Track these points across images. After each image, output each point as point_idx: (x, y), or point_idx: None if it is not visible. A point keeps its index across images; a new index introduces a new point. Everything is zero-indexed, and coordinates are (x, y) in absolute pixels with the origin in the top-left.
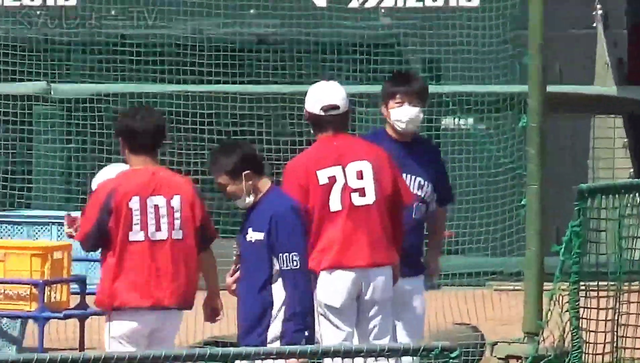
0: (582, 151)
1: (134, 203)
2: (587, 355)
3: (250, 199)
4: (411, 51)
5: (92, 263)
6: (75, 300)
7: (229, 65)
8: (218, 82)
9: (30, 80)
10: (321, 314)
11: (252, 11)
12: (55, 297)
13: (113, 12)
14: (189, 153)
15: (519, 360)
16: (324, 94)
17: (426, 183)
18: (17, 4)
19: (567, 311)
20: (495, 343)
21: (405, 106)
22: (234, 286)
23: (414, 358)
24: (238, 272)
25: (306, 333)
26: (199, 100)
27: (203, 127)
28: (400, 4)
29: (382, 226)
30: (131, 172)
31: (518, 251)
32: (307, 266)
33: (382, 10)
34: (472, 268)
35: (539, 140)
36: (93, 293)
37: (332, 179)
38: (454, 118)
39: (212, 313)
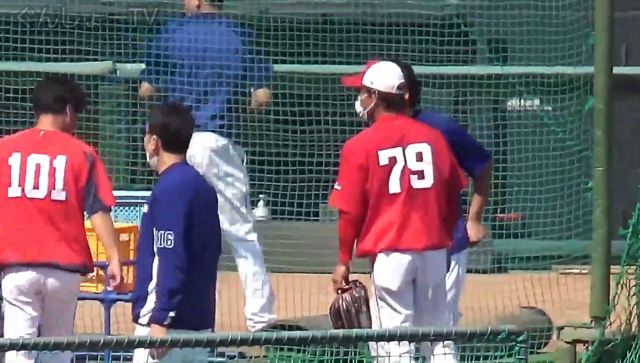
0: None
1: (14, 160)
2: None
3: (150, 161)
4: (477, 31)
5: None
6: None
7: (294, 45)
8: (284, 62)
9: (95, 60)
10: (379, 297)
11: None
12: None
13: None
14: (254, 133)
15: (586, 344)
16: (397, 74)
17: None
18: None
19: (634, 295)
20: (562, 328)
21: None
22: None
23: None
24: None
25: (171, 314)
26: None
27: (269, 108)
28: None
29: (439, 209)
30: (24, 132)
31: (585, 235)
32: (181, 247)
33: None
34: (539, 251)
35: (605, 122)
36: None
37: (393, 161)
38: (520, 100)
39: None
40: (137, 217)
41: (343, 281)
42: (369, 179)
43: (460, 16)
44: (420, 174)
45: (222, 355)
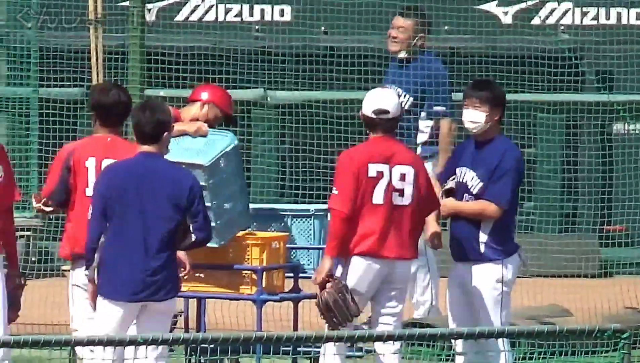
0: None
1: (89, 163)
2: None
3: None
4: (587, 63)
5: (308, 251)
6: (289, 284)
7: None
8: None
9: (249, 87)
10: (347, 294)
11: (446, 27)
12: (272, 281)
13: (322, 28)
14: None
15: None
16: (377, 99)
17: (479, 178)
18: (238, 19)
19: None
20: None
21: (469, 109)
22: None
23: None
24: None
25: (85, 272)
26: None
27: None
28: (577, 21)
29: (412, 226)
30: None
31: None
32: (96, 222)
33: (562, 27)
34: None
35: None
36: (307, 277)
37: (380, 175)
38: (624, 124)
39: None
40: (285, 228)
41: (332, 284)
42: (359, 187)
43: (572, 50)
44: (401, 193)
45: (360, 349)
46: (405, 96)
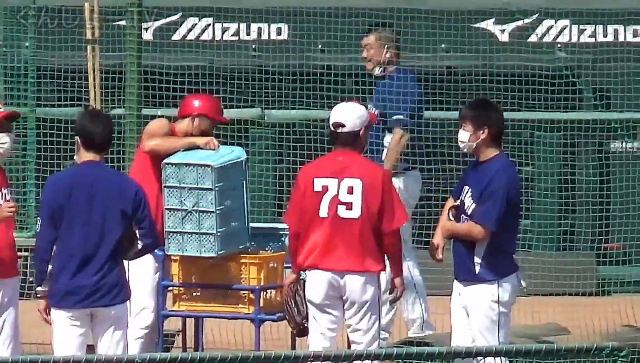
0: None
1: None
2: None
3: (75, 157)
4: (584, 81)
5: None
6: None
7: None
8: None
9: (246, 106)
10: (309, 308)
11: (443, 46)
12: (270, 301)
13: (320, 46)
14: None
15: None
16: (336, 113)
17: (472, 199)
18: (235, 37)
19: None
20: None
21: (460, 129)
22: None
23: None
24: None
25: (38, 288)
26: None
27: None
28: (574, 39)
29: (362, 238)
30: None
31: None
32: (45, 231)
33: (558, 45)
34: (639, 277)
35: None
36: None
37: (325, 188)
38: (622, 142)
39: None
40: (282, 247)
41: (287, 287)
42: (305, 201)
43: (569, 68)
44: (349, 206)
45: None
46: (374, 111)
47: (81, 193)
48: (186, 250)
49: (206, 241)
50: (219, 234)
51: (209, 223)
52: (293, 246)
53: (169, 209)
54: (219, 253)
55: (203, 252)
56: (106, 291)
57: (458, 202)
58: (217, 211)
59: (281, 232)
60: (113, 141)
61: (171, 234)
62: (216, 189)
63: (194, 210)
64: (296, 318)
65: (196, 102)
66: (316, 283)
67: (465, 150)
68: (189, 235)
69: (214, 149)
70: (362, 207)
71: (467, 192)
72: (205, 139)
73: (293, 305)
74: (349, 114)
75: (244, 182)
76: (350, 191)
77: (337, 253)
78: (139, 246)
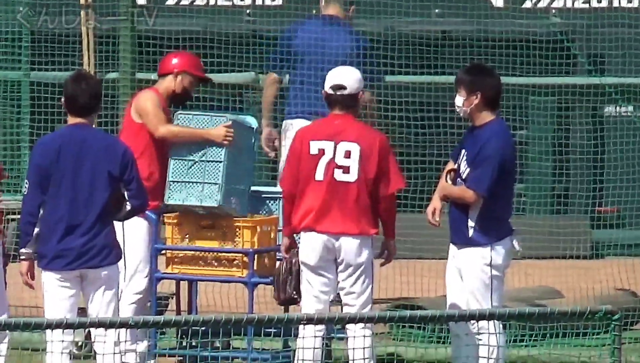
0: None
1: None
2: None
3: None
4: (578, 46)
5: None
6: None
7: (417, 57)
8: (407, 73)
9: (240, 71)
10: (302, 270)
11: (436, 11)
12: (264, 264)
13: (314, 11)
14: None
15: None
16: (335, 76)
17: (466, 163)
18: (229, 2)
19: None
20: None
21: (456, 95)
22: None
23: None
24: None
25: (22, 249)
26: (390, 89)
27: (394, 113)
28: (569, 4)
29: (358, 201)
30: None
31: None
32: (32, 194)
33: (553, 10)
34: (632, 240)
35: None
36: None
37: (321, 152)
38: (616, 106)
39: None
40: (276, 210)
41: (284, 252)
42: (300, 164)
43: (563, 33)
44: (346, 169)
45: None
46: None
47: (68, 155)
48: (187, 199)
49: (209, 190)
50: (223, 184)
51: (215, 173)
52: (287, 209)
53: (175, 159)
54: (221, 204)
55: (204, 201)
56: (96, 252)
57: (456, 166)
58: (225, 161)
59: (274, 195)
60: (106, 106)
61: (173, 183)
62: (229, 146)
63: (201, 161)
64: (288, 288)
65: (177, 60)
66: (311, 245)
67: (461, 115)
68: (192, 185)
69: (231, 137)
70: (359, 171)
71: (463, 156)
72: (220, 132)
73: (287, 276)
74: (349, 77)
75: (253, 149)
76: (348, 155)
77: (332, 215)
78: (128, 208)
